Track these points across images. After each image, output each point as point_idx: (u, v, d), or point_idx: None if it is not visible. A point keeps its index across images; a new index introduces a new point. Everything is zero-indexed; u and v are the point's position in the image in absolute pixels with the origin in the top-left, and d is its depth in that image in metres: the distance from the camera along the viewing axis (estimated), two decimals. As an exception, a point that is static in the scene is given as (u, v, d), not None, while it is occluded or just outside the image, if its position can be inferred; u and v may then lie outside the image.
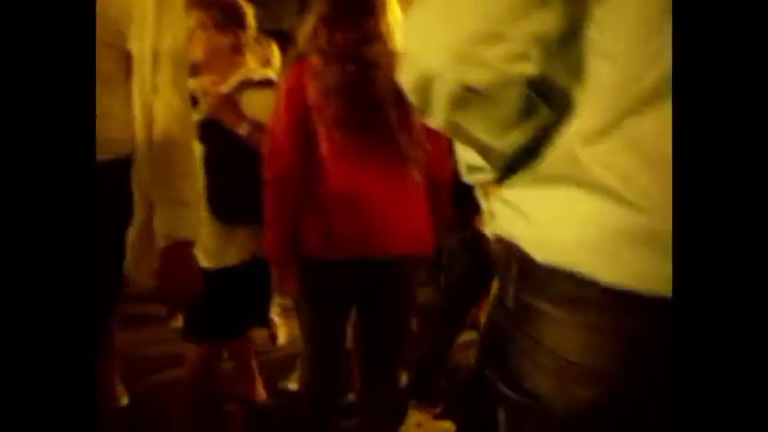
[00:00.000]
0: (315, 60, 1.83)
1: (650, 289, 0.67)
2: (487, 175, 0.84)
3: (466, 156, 0.87)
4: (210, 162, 1.99)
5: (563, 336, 0.72)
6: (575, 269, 0.70)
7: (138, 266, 1.41)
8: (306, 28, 1.87)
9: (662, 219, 0.66)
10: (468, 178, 0.90)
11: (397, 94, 1.52)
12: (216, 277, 1.90)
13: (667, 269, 0.65)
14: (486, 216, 0.91)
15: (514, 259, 0.77)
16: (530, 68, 0.68)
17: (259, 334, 3.01)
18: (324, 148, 1.83)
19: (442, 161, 1.91)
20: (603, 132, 0.70)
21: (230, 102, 2.05)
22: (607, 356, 0.70)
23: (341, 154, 1.83)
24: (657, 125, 0.67)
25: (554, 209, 0.73)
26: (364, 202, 1.85)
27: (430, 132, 1.81)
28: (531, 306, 0.75)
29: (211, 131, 2.00)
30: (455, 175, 1.53)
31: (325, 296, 1.93)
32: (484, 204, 0.91)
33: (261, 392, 2.62)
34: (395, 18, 1.85)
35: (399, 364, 2.12)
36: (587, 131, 0.71)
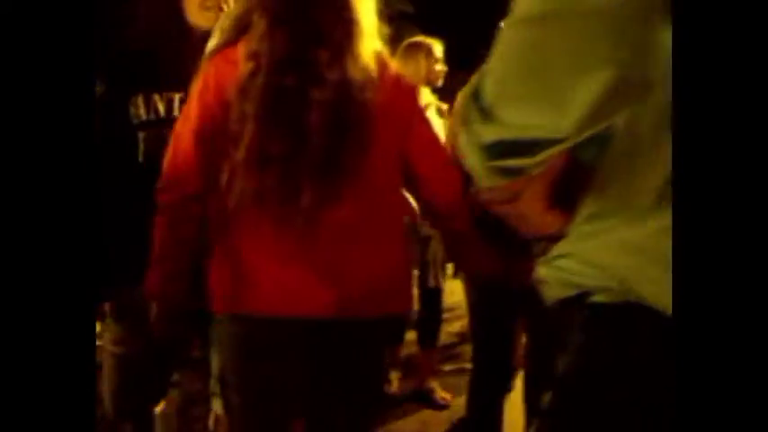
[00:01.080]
0: (243, 61, 1.35)
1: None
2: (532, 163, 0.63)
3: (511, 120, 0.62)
4: None
5: None
6: None
7: None
8: (236, 10, 1.43)
9: None
10: (488, 181, 0.66)
11: (337, 123, 1.33)
12: None
13: None
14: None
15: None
16: None
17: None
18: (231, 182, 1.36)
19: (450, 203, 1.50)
20: None
21: None
22: None
23: (253, 200, 1.36)
24: None
25: None
26: (285, 252, 1.38)
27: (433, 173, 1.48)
28: None
29: None
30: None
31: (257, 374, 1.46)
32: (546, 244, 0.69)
33: None
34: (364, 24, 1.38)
35: None
36: None
